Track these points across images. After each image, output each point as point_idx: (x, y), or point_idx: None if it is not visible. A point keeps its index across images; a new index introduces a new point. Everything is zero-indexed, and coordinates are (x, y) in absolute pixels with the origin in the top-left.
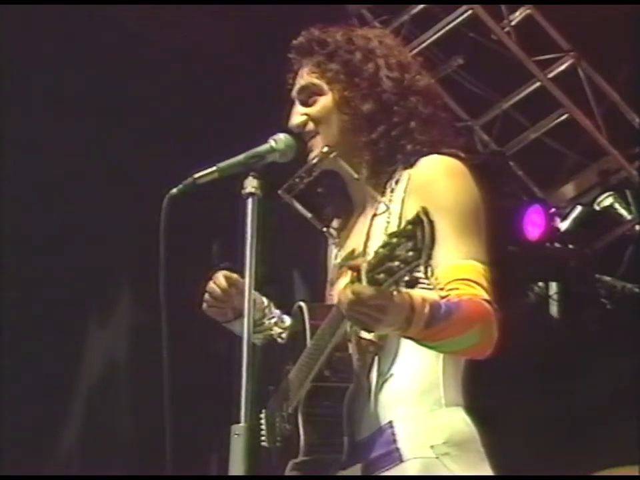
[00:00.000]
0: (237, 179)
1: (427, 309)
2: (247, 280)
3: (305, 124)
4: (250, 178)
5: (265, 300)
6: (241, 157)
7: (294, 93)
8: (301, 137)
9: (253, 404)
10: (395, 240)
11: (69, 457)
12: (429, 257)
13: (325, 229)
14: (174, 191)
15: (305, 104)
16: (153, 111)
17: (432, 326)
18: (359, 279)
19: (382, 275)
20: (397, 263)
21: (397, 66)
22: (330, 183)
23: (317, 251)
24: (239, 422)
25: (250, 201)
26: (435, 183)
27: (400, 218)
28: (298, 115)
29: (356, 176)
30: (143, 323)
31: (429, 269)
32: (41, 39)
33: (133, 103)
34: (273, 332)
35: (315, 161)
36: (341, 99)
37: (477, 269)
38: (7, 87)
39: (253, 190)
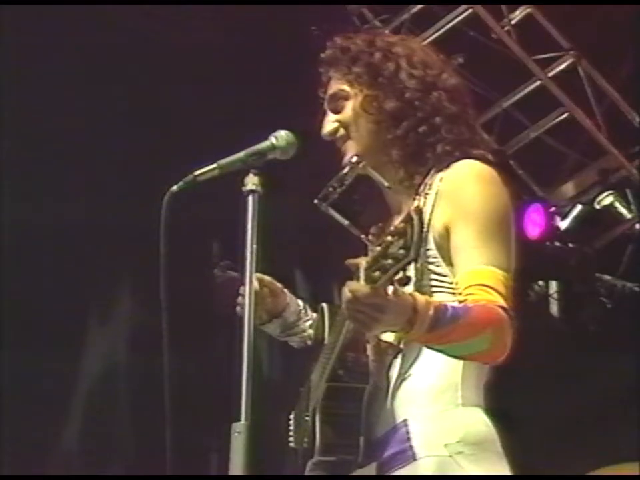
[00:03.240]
0: (238, 176)
1: (431, 312)
2: (247, 278)
3: (336, 130)
4: (251, 175)
5: (300, 302)
6: (241, 154)
7: (325, 103)
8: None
9: (253, 402)
10: (389, 238)
11: (69, 457)
12: (418, 254)
13: (362, 237)
14: (174, 188)
15: (335, 111)
16: (154, 109)
17: (436, 329)
18: (357, 277)
19: (377, 273)
20: (389, 261)
21: (420, 64)
22: (367, 189)
23: (318, 248)
24: (239, 420)
25: (250, 198)
26: (463, 189)
27: (429, 223)
28: (329, 122)
29: (386, 184)
30: (143, 322)
31: (420, 269)
32: (43, 37)
33: (134, 101)
34: (306, 334)
35: (345, 171)
36: (365, 99)
37: (495, 276)
38: (8, 87)
39: (253, 187)
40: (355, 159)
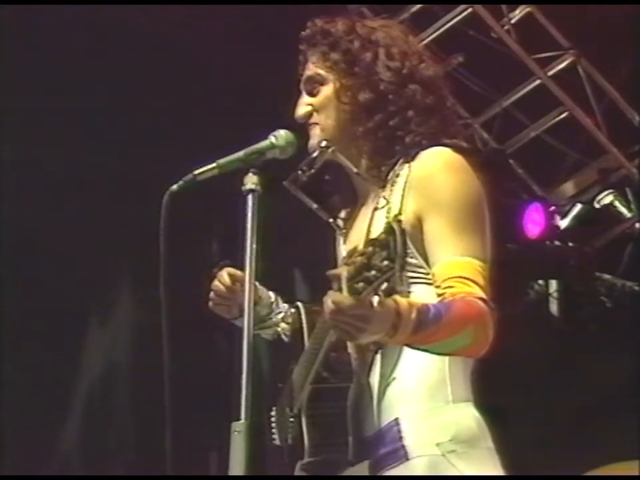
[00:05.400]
0: (237, 175)
1: (413, 314)
2: (247, 277)
3: (309, 114)
4: (250, 174)
5: (272, 295)
6: (240, 154)
7: (301, 84)
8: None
9: (253, 401)
10: (370, 249)
11: (69, 457)
12: (402, 266)
13: (331, 220)
14: (174, 187)
15: (310, 94)
16: (153, 108)
17: (420, 331)
18: (339, 288)
19: (360, 284)
20: (373, 272)
21: (399, 55)
22: (337, 174)
23: (317, 247)
24: (239, 419)
25: (250, 197)
26: (433, 178)
27: (400, 213)
28: (303, 105)
29: (355, 170)
30: (142, 322)
31: (415, 274)
32: (41, 37)
33: (133, 100)
34: (279, 328)
35: (314, 155)
36: (340, 88)
37: (473, 266)
38: (7, 86)
39: (253, 186)
40: (324, 143)
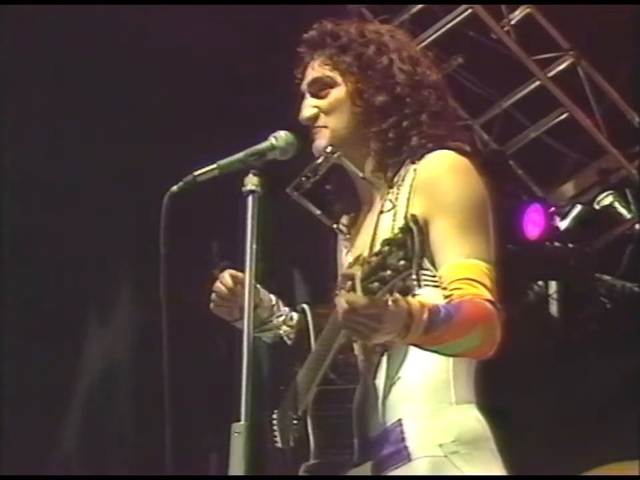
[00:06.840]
0: (238, 176)
1: (425, 315)
2: (247, 278)
3: (316, 116)
4: (250, 175)
5: (273, 298)
6: (241, 155)
7: (304, 86)
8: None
9: (253, 402)
10: (386, 248)
11: (69, 457)
12: (420, 265)
13: (334, 226)
14: (174, 188)
15: (316, 96)
16: (154, 109)
17: (431, 331)
18: (353, 288)
19: (376, 284)
20: (389, 272)
21: (409, 59)
22: (339, 179)
23: (317, 248)
24: (239, 420)
25: (250, 198)
26: (439, 181)
27: (406, 215)
28: (309, 107)
29: (361, 175)
30: (143, 322)
31: (421, 277)
32: (42, 37)
33: (133, 101)
34: (281, 331)
35: (319, 161)
36: (354, 90)
37: (480, 268)
38: (8, 85)
39: (253, 187)
40: (329, 149)
